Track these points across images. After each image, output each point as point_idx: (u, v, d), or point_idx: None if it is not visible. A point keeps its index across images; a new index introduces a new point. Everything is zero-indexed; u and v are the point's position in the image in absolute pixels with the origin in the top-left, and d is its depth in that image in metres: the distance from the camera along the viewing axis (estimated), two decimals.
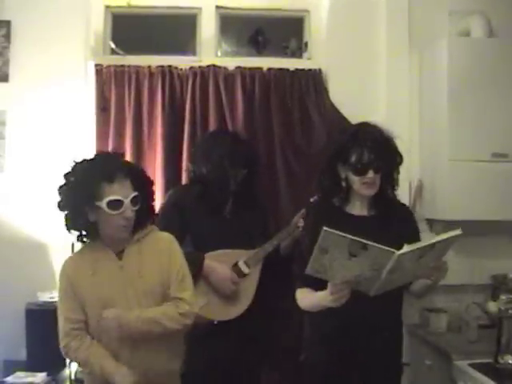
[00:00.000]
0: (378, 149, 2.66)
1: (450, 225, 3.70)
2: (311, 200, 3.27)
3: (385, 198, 2.76)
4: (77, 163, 2.59)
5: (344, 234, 2.17)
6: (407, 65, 4.01)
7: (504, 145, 3.69)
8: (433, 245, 2.27)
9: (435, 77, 3.82)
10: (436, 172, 3.82)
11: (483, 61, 3.69)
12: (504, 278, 3.80)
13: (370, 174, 2.65)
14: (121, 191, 2.52)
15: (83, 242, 2.67)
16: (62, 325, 2.61)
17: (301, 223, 3.32)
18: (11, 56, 3.83)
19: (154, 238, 2.73)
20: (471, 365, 3.11)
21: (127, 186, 2.55)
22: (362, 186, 2.69)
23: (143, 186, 2.66)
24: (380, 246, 2.20)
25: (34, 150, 3.80)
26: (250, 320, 3.26)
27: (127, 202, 2.52)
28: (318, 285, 2.56)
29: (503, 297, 3.23)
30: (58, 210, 2.56)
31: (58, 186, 2.56)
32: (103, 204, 2.49)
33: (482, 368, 3.07)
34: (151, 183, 2.75)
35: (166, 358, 2.64)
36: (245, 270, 3.34)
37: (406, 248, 2.22)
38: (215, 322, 3.21)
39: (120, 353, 2.55)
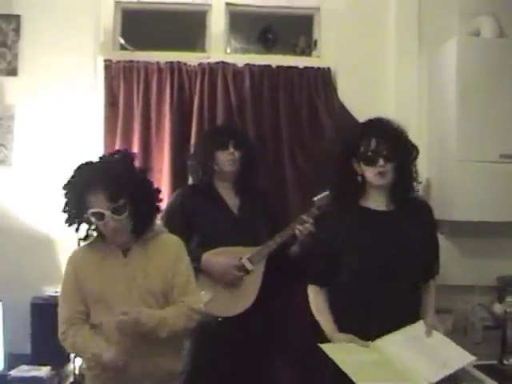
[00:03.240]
0: (386, 137, 2.70)
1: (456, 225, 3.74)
2: (314, 199, 3.28)
3: (402, 193, 2.78)
4: (70, 177, 2.58)
5: None
6: (416, 64, 3.99)
7: None
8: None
9: (444, 77, 3.80)
10: (444, 172, 3.80)
11: (492, 61, 3.67)
12: (510, 279, 3.77)
13: (381, 162, 2.68)
14: (99, 203, 2.50)
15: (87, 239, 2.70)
16: (62, 311, 2.65)
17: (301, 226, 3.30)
18: (20, 50, 3.85)
19: (162, 239, 2.74)
20: (476, 366, 3.10)
21: (104, 197, 2.49)
22: (376, 177, 2.72)
23: (130, 191, 2.54)
24: None
25: (43, 144, 3.81)
26: (254, 317, 3.24)
27: (108, 213, 2.50)
28: (328, 283, 2.72)
29: (509, 298, 3.24)
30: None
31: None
32: (89, 216, 2.53)
33: (486, 369, 3.06)
34: (140, 187, 2.62)
35: (166, 360, 2.63)
36: (248, 266, 3.33)
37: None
38: (220, 319, 3.19)
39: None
